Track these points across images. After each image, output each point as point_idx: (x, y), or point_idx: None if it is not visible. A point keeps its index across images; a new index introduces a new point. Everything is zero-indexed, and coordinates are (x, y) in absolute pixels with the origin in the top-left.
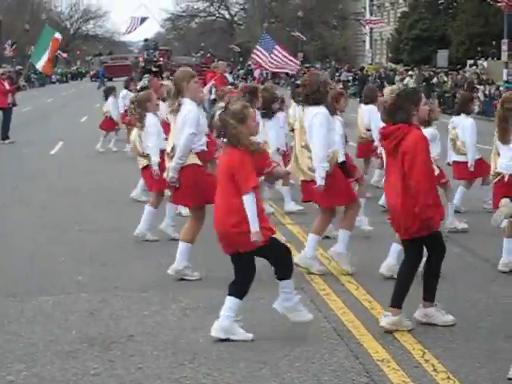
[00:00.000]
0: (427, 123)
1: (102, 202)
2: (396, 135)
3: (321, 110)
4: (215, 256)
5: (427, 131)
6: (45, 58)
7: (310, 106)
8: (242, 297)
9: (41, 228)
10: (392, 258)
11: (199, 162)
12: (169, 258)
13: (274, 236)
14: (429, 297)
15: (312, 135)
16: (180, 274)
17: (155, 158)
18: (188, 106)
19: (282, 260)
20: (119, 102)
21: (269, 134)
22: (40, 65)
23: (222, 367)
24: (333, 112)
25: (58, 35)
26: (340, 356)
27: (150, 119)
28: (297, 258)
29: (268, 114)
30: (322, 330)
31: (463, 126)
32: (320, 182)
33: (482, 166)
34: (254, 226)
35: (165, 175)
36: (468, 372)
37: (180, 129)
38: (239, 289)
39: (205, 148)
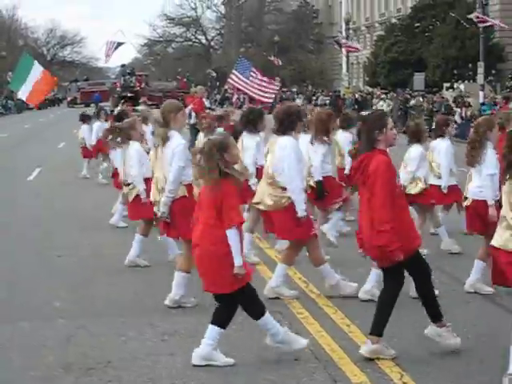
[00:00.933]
0: (421, 140)
1: (80, 228)
2: (362, 168)
3: (289, 143)
4: (192, 282)
5: (415, 151)
6: (29, 87)
7: (280, 137)
8: (224, 326)
9: (18, 254)
10: (369, 283)
11: (186, 194)
12: (145, 284)
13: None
14: (434, 319)
15: (284, 169)
16: (177, 303)
17: (141, 187)
18: (177, 139)
19: (251, 303)
20: (92, 133)
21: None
22: (24, 95)
23: None
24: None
25: (41, 68)
26: (318, 379)
27: (133, 147)
28: (265, 290)
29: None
30: (300, 354)
31: (439, 149)
32: (301, 213)
33: (455, 192)
34: (239, 261)
35: (155, 209)
36: None
37: (169, 161)
38: (222, 319)
39: (191, 181)
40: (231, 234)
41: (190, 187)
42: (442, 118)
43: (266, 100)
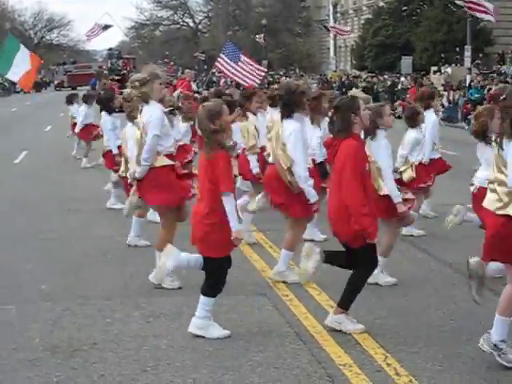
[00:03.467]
0: (414, 124)
1: (67, 211)
2: (333, 147)
3: (295, 127)
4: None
5: (410, 135)
6: (21, 70)
7: (286, 119)
8: (215, 295)
9: (4, 237)
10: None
11: (169, 163)
12: (132, 266)
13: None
14: (342, 304)
15: (292, 154)
16: (161, 282)
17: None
18: (152, 108)
19: (219, 279)
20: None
21: None
22: (15, 78)
23: (185, 373)
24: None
25: (28, 51)
26: (303, 361)
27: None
28: (271, 273)
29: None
30: (285, 336)
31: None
32: (312, 199)
33: (440, 164)
34: (235, 226)
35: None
36: (430, 375)
37: (144, 129)
38: (211, 289)
39: (173, 151)
40: (227, 200)
41: (171, 157)
42: (428, 90)
43: (251, 82)
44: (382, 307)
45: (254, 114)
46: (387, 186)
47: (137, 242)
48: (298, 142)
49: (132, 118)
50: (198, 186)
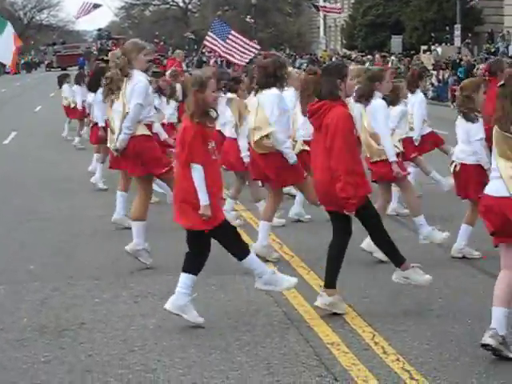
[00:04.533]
0: (395, 101)
1: (56, 192)
2: (320, 112)
3: (274, 93)
4: (166, 243)
5: (395, 109)
6: (9, 50)
7: (264, 89)
8: (196, 273)
9: None
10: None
11: (149, 133)
12: (122, 246)
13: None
14: (330, 283)
15: (269, 120)
16: (136, 254)
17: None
18: (138, 77)
19: (235, 241)
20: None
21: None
22: (7, 61)
23: (173, 353)
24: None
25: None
26: (290, 340)
27: None
28: (252, 248)
29: None
30: (273, 315)
31: (413, 101)
32: (291, 160)
33: (433, 138)
34: (204, 199)
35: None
36: (417, 354)
37: (128, 99)
38: (194, 265)
39: (153, 120)
40: (194, 171)
41: (150, 127)
42: (417, 70)
43: (241, 62)
44: (370, 286)
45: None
46: (384, 146)
47: (125, 223)
48: (275, 106)
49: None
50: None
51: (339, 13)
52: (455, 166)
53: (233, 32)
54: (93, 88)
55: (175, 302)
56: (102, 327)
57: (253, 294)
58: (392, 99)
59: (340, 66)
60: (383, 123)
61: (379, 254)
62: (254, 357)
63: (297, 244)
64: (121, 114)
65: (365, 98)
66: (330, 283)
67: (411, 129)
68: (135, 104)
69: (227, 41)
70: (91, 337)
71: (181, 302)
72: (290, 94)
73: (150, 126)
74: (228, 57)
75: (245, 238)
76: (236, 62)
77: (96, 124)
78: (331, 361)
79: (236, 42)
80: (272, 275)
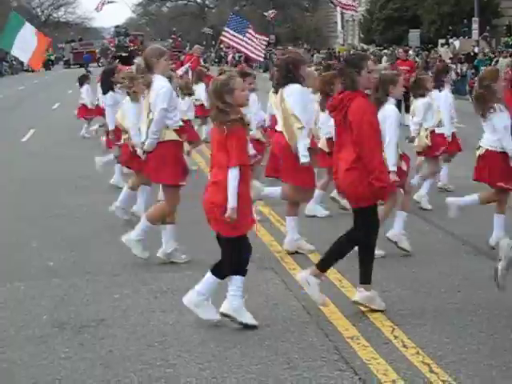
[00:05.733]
0: (421, 94)
1: (74, 188)
2: (342, 106)
3: (296, 88)
4: (186, 238)
5: (421, 101)
6: (26, 49)
7: (285, 87)
8: (243, 273)
9: (12, 214)
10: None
11: (178, 138)
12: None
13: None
14: (324, 266)
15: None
16: (168, 257)
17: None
18: (160, 82)
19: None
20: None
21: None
22: (25, 58)
23: (192, 348)
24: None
25: (34, 29)
26: (310, 334)
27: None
28: (285, 245)
29: None
30: (292, 309)
31: (439, 97)
32: (302, 159)
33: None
34: (232, 202)
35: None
36: (437, 347)
37: (153, 104)
38: (232, 269)
39: (181, 124)
40: (231, 174)
41: (179, 131)
42: (442, 64)
43: (258, 58)
44: (389, 279)
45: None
46: (387, 152)
47: (118, 213)
48: (298, 99)
49: (133, 93)
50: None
51: (355, 10)
52: (481, 150)
53: (250, 27)
54: (104, 89)
55: (231, 305)
56: (122, 323)
57: (272, 288)
58: (415, 92)
59: (356, 57)
60: (393, 129)
61: (404, 244)
62: (273, 351)
63: (317, 239)
64: (144, 117)
65: (378, 101)
66: (363, 279)
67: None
68: (160, 109)
69: (246, 34)
70: (111, 333)
71: (235, 305)
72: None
73: (178, 131)
74: (247, 51)
75: (262, 231)
76: (254, 57)
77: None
78: (351, 355)
79: (254, 36)
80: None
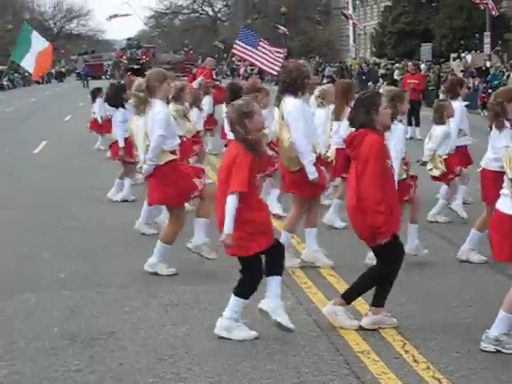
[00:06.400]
0: (441, 121)
1: (85, 201)
2: (355, 142)
3: (295, 103)
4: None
5: (440, 129)
6: (32, 60)
7: (287, 97)
8: (247, 297)
9: (23, 226)
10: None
11: (173, 157)
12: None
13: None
14: (347, 297)
15: (291, 131)
16: (197, 249)
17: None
18: (158, 108)
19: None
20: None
21: None
22: (29, 67)
23: (202, 362)
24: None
25: (42, 40)
26: (320, 348)
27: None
28: (303, 255)
29: None
30: (303, 323)
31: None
32: (311, 176)
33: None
34: (228, 227)
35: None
36: (447, 362)
37: (150, 130)
38: (243, 289)
39: (178, 148)
40: (228, 200)
41: (175, 152)
42: (456, 78)
43: (273, 72)
44: (400, 294)
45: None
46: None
47: (144, 230)
48: (299, 117)
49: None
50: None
51: (361, 28)
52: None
53: (262, 39)
54: (112, 103)
55: (222, 324)
56: (132, 336)
57: (283, 301)
58: (437, 118)
59: (373, 95)
60: (400, 147)
61: (422, 253)
62: (284, 365)
63: (328, 252)
64: (140, 138)
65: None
66: (375, 302)
67: None
68: (158, 136)
69: (258, 47)
70: (121, 345)
71: (225, 324)
72: (323, 113)
73: (174, 152)
74: (260, 65)
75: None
76: (267, 70)
77: (116, 142)
78: (362, 369)
79: (266, 49)
80: (236, 325)
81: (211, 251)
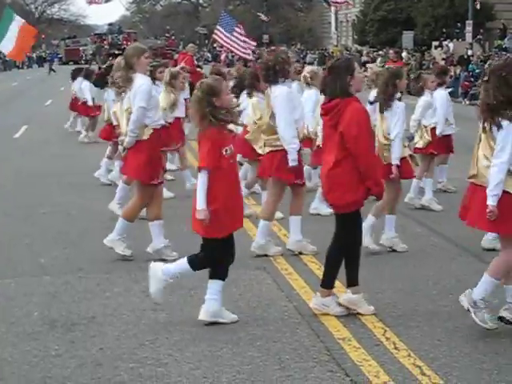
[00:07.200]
0: (420, 92)
1: (66, 185)
2: (336, 111)
3: (281, 91)
4: (177, 238)
5: (421, 99)
6: (11, 43)
7: (272, 85)
8: (223, 278)
9: (4, 211)
10: (388, 230)
11: (155, 137)
12: (131, 240)
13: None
14: (327, 285)
15: (276, 117)
16: (158, 253)
17: None
18: (140, 80)
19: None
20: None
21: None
22: (6, 50)
23: (183, 347)
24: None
25: (21, 21)
26: (301, 335)
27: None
28: (288, 244)
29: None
30: (284, 310)
31: (436, 97)
32: (291, 162)
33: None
34: (200, 204)
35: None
36: (428, 349)
37: (132, 102)
38: (216, 272)
39: (163, 123)
40: (198, 177)
41: (159, 131)
42: (441, 66)
43: (245, 56)
44: (381, 281)
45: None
46: (393, 147)
47: (115, 209)
48: (285, 104)
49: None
50: None
51: (347, 5)
52: None
53: (238, 25)
54: (100, 85)
55: (208, 309)
56: (113, 321)
57: (264, 288)
58: (417, 90)
59: (347, 61)
60: (400, 124)
61: (399, 247)
62: (265, 351)
63: (309, 238)
64: (123, 113)
65: (388, 95)
66: (325, 284)
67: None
68: (138, 107)
69: (234, 33)
70: (102, 331)
71: (213, 309)
72: (312, 93)
73: (157, 131)
74: (233, 49)
75: (254, 231)
76: (240, 54)
77: (110, 122)
78: (342, 356)
79: (241, 35)
80: (220, 309)
81: (172, 251)
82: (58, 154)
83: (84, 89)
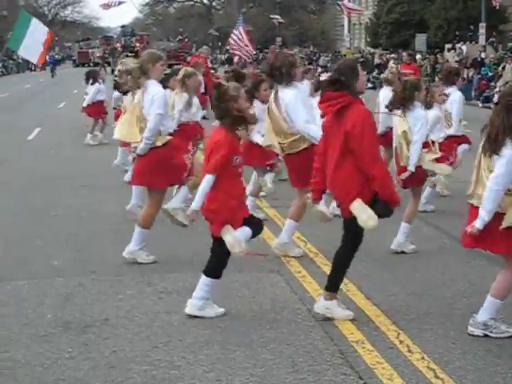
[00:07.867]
0: (429, 105)
1: (79, 187)
2: (340, 100)
3: (289, 94)
4: (190, 240)
5: (429, 113)
6: (37, 50)
7: (280, 89)
8: (217, 277)
9: (17, 213)
10: (400, 235)
11: (166, 141)
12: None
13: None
14: (332, 288)
15: (294, 122)
16: (133, 256)
17: None
18: (155, 88)
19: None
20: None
21: None
22: (32, 57)
23: (197, 350)
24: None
25: (45, 29)
26: (315, 338)
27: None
28: (274, 243)
29: None
30: (298, 312)
31: (450, 98)
32: (316, 138)
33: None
34: (196, 205)
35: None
36: (442, 352)
37: (147, 110)
38: (212, 270)
39: (172, 130)
40: (204, 180)
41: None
42: (453, 67)
43: (245, 57)
44: (394, 283)
45: (263, 102)
46: (411, 152)
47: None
48: (298, 104)
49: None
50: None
51: (358, 13)
52: None
53: (242, 29)
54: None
55: (192, 303)
56: (126, 323)
57: (277, 291)
58: (426, 103)
59: (352, 64)
60: (422, 133)
61: (409, 248)
62: (278, 354)
63: (322, 241)
64: (134, 119)
65: (405, 106)
66: (330, 287)
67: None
68: (156, 114)
69: (236, 32)
70: (115, 333)
71: (198, 304)
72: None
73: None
74: (237, 52)
75: (268, 234)
76: (241, 55)
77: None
78: (356, 359)
79: (242, 37)
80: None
81: (149, 254)
82: (70, 156)
83: (97, 90)
